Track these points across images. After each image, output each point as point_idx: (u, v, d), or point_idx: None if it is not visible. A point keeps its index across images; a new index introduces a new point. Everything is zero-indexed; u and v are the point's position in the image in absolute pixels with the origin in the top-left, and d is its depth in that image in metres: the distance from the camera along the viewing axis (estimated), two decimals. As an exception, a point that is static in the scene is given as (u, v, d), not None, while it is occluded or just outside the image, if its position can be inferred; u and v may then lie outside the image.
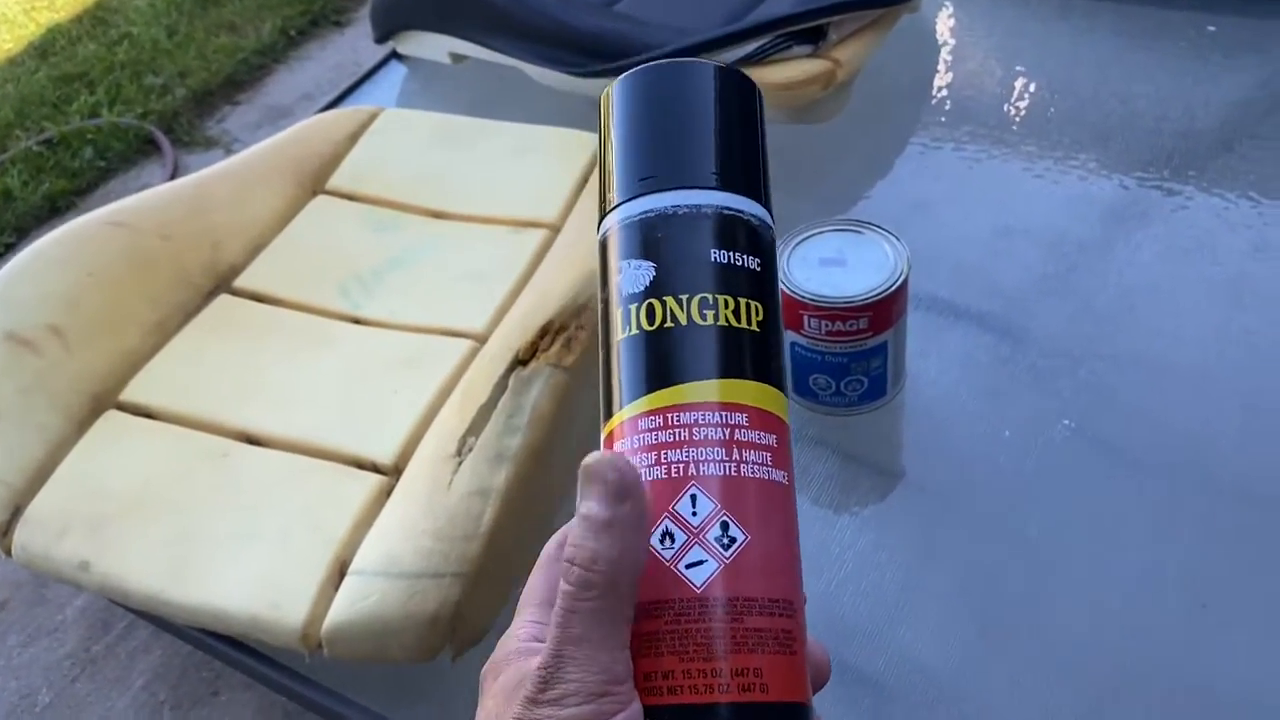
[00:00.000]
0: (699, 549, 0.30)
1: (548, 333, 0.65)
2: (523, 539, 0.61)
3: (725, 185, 0.34)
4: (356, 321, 0.76)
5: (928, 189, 0.88)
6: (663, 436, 0.31)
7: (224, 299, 0.78)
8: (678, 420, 0.31)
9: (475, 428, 0.61)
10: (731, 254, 0.33)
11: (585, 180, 0.83)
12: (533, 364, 0.64)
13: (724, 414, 0.31)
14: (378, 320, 0.76)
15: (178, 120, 1.89)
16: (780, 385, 0.33)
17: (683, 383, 0.32)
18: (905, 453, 0.71)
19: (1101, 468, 0.67)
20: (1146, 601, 0.61)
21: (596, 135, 0.38)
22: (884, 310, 0.66)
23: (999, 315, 0.77)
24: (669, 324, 0.32)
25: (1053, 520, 0.65)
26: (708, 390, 0.31)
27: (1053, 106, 0.95)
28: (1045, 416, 0.70)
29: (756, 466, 0.31)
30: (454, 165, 0.87)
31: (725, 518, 0.30)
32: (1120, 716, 0.57)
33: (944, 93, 0.99)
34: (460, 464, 0.60)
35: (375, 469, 0.65)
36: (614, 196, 0.35)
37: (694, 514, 0.30)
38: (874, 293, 0.65)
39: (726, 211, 0.34)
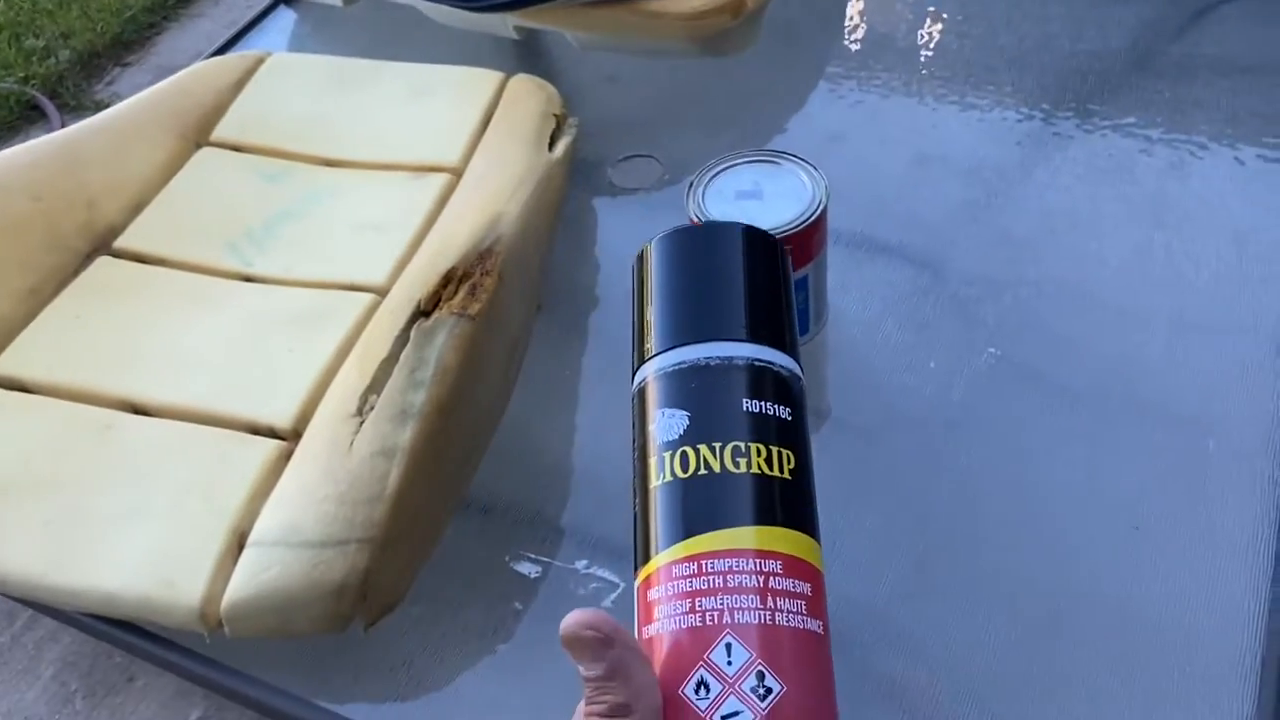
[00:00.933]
0: (734, 699, 0.29)
1: (451, 280, 0.61)
2: (433, 499, 0.58)
3: (755, 338, 0.36)
4: (248, 279, 0.71)
5: (842, 121, 0.86)
6: (697, 584, 0.31)
7: (103, 261, 0.73)
8: (712, 567, 0.31)
9: (376, 384, 0.57)
10: (762, 403, 0.34)
11: (487, 120, 0.78)
12: (436, 314, 0.60)
13: (758, 561, 0.31)
14: (271, 277, 0.71)
15: (63, 84, 1.79)
16: (814, 533, 0.33)
17: (716, 530, 0.32)
18: (830, 389, 0.69)
19: (1029, 394, 0.66)
20: (1079, 526, 0.59)
21: (634, 289, 0.41)
22: (803, 242, 0.63)
23: (919, 246, 0.75)
24: (702, 471, 0.33)
25: (982, 449, 0.64)
26: (742, 537, 0.31)
27: (966, 32, 0.93)
28: (970, 345, 0.68)
29: (791, 615, 0.31)
30: (347, 110, 0.82)
31: (761, 667, 0.30)
32: (1054, 643, 0.56)
33: (856, 21, 0.96)
34: (362, 423, 0.56)
35: (272, 433, 0.61)
36: (651, 347, 0.37)
37: (729, 663, 0.30)
38: (792, 224, 0.62)
39: (757, 363, 0.35)
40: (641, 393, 0.37)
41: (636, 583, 0.34)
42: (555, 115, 0.78)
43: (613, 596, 0.57)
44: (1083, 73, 0.85)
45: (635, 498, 0.35)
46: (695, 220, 0.63)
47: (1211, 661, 0.54)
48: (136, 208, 0.76)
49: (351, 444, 0.56)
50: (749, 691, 0.29)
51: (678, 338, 0.36)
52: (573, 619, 0.30)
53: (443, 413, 0.57)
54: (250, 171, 0.79)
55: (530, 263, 0.68)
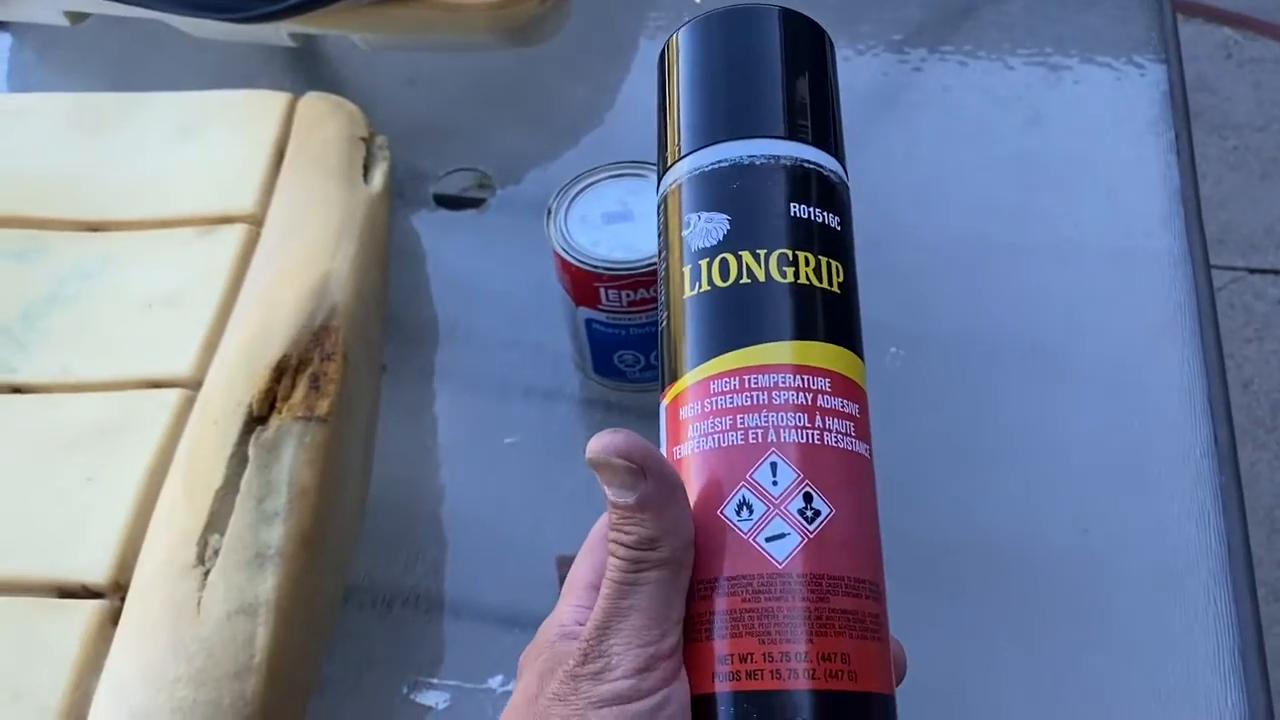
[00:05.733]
0: (780, 521, 0.28)
1: (285, 372, 0.50)
2: (309, 645, 0.48)
3: (799, 136, 0.32)
4: (15, 390, 0.58)
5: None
6: (739, 400, 0.29)
7: None
8: (755, 383, 0.29)
9: (216, 522, 0.46)
10: (811, 209, 0.31)
11: (280, 152, 0.66)
12: (275, 420, 0.49)
13: (806, 378, 0.29)
14: (44, 384, 0.57)
15: None
16: (860, 352, 0.32)
17: (760, 343, 0.30)
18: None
19: (937, 387, 0.61)
20: (1017, 527, 0.55)
21: (659, 86, 0.36)
22: (688, 265, 0.55)
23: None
24: (745, 280, 0.30)
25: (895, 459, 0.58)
26: (788, 352, 0.30)
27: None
28: (873, 345, 0.62)
29: (840, 436, 0.29)
30: (103, 158, 0.68)
31: (809, 488, 0.28)
32: (1035, 626, 0.51)
33: (668, -9, 0.88)
34: (207, 575, 0.45)
35: (87, 592, 0.49)
36: (680, 147, 0.33)
37: (774, 483, 0.28)
38: (674, 247, 0.54)
39: (806, 164, 0.32)
40: (666, 201, 0.34)
41: (664, 403, 0.32)
42: (362, 138, 0.67)
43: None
44: (916, 24, 0.81)
45: (663, 313, 0.33)
46: (565, 257, 0.55)
47: (1189, 662, 0.51)
48: None
49: (199, 604, 0.45)
50: (795, 513, 0.28)
51: (714, 135, 0.33)
52: (600, 442, 0.28)
53: (308, 546, 0.46)
54: (-8, 249, 0.64)
55: (371, 326, 0.58)
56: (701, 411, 0.30)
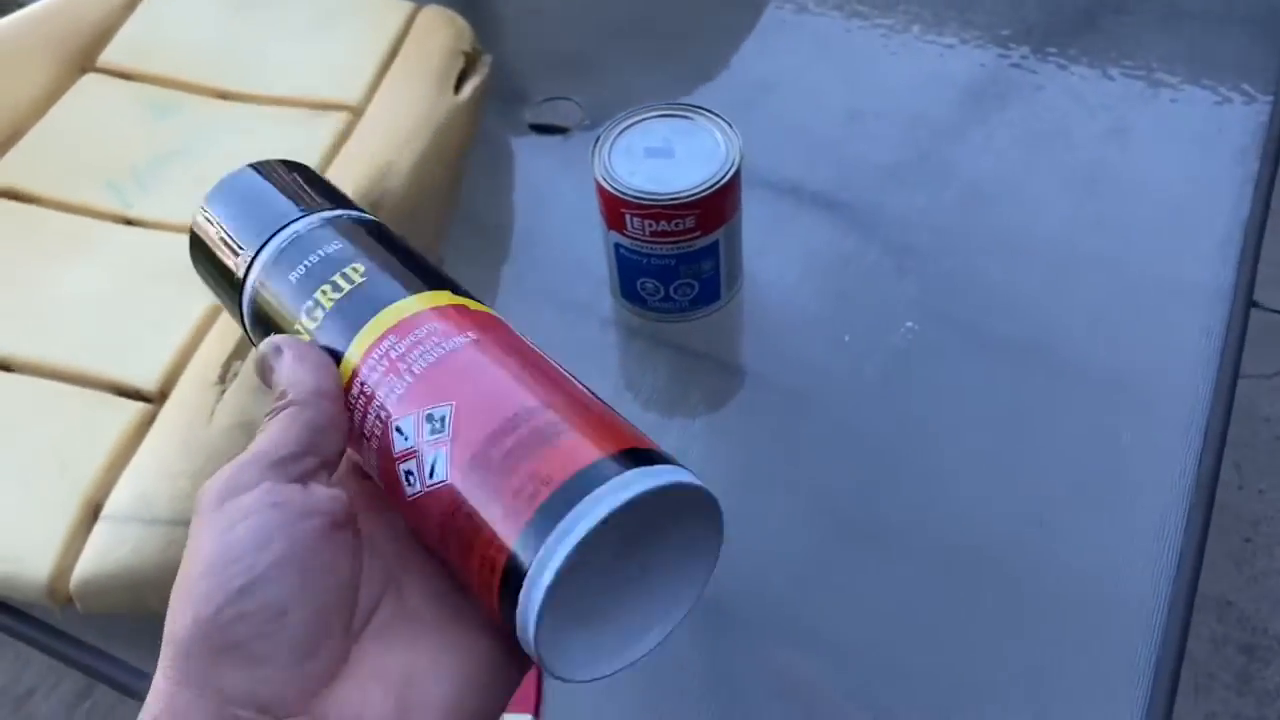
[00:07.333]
0: (427, 455, 0.29)
1: (330, 238, 0.57)
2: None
3: (267, 235, 0.36)
4: (128, 222, 0.67)
5: (776, 67, 0.81)
6: (357, 416, 0.31)
7: (-29, 197, 0.68)
8: (353, 401, 0.31)
9: (241, 350, 0.53)
10: (304, 263, 0.34)
11: (393, 55, 0.73)
12: (310, 275, 0.56)
13: (373, 358, 0.31)
14: (152, 221, 0.66)
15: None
16: (421, 287, 0.33)
17: (329, 378, 0.32)
18: (742, 363, 0.66)
19: (945, 372, 0.63)
20: (984, 519, 0.57)
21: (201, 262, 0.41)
22: (713, 207, 0.59)
23: (845, 207, 0.71)
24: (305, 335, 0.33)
25: (892, 429, 0.61)
26: (348, 363, 0.32)
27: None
28: (889, 319, 0.65)
29: (424, 356, 0.31)
30: (245, 37, 0.77)
31: (425, 411, 0.30)
32: (951, 640, 0.54)
33: (799, -41, 0.91)
34: (223, 393, 0.52)
35: (138, 395, 0.57)
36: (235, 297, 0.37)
37: (405, 439, 0.30)
38: (701, 188, 0.58)
39: (283, 245, 0.35)
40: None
41: None
42: (465, 53, 0.73)
43: None
44: (1029, 24, 0.81)
45: None
46: (603, 184, 0.59)
47: (1107, 662, 0.52)
48: (10, 139, 0.71)
49: (212, 414, 0.52)
50: (430, 436, 0.29)
51: (240, 270, 0.36)
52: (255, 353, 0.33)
53: (312, 384, 0.53)
54: (138, 102, 0.73)
55: (424, 217, 0.64)
56: (363, 456, 0.32)
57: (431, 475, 0.29)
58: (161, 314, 0.60)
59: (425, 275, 0.34)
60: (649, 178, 0.59)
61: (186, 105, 0.73)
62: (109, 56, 0.76)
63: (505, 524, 0.27)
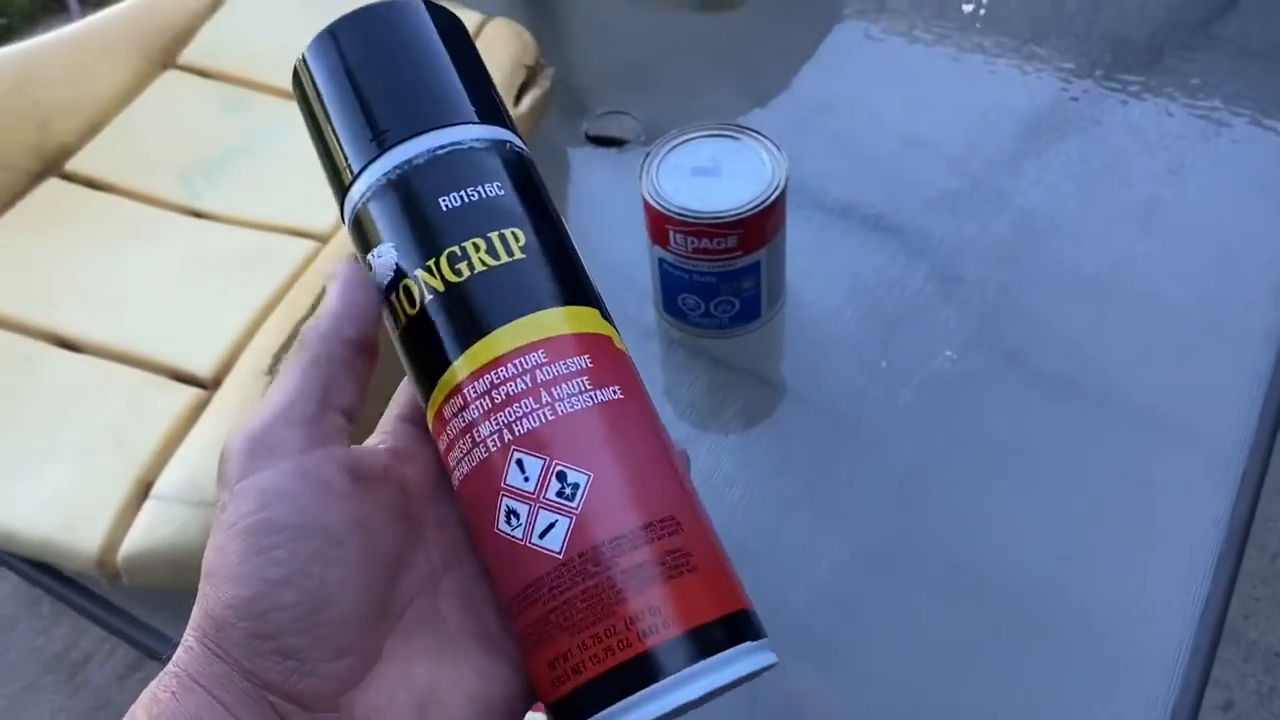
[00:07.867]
0: (546, 512, 0.27)
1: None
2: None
3: (437, 123, 0.31)
4: (195, 214, 0.70)
5: (835, 90, 0.82)
6: (468, 416, 0.28)
7: (52, 183, 0.71)
8: (475, 391, 0.28)
9: (290, 344, 0.55)
10: (462, 193, 0.30)
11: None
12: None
13: (516, 364, 0.28)
14: (217, 213, 0.69)
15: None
16: (578, 297, 0.30)
17: (462, 354, 0.29)
18: (783, 371, 0.66)
19: (981, 404, 0.63)
20: (1014, 550, 0.57)
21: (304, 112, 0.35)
22: (755, 228, 0.60)
23: (894, 232, 0.72)
24: (429, 297, 0.29)
25: (923, 456, 0.61)
26: (487, 349, 0.28)
27: (980, 4, 0.88)
28: (928, 348, 0.65)
29: (573, 398, 0.28)
30: (318, 41, 0.79)
31: (560, 467, 0.27)
32: (968, 673, 0.54)
33: (866, -16, 0.91)
34: (270, 382, 0.54)
35: (194, 381, 0.60)
36: (350, 170, 0.31)
37: (526, 480, 0.27)
38: (744, 208, 0.59)
39: (439, 151, 0.30)
40: (352, 231, 0.32)
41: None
42: (527, 66, 0.75)
43: None
44: (1093, 59, 0.81)
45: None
46: (648, 200, 0.60)
47: (1125, 704, 0.52)
48: (93, 130, 0.74)
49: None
50: (555, 497, 0.27)
51: (358, 168, 0.31)
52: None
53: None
54: (212, 99, 0.77)
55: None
56: (448, 441, 0.29)
57: (541, 537, 0.27)
58: (221, 304, 0.63)
59: (575, 276, 0.31)
60: (694, 196, 0.60)
61: (257, 103, 0.76)
62: (190, 55, 0.80)
63: (605, 643, 0.26)
